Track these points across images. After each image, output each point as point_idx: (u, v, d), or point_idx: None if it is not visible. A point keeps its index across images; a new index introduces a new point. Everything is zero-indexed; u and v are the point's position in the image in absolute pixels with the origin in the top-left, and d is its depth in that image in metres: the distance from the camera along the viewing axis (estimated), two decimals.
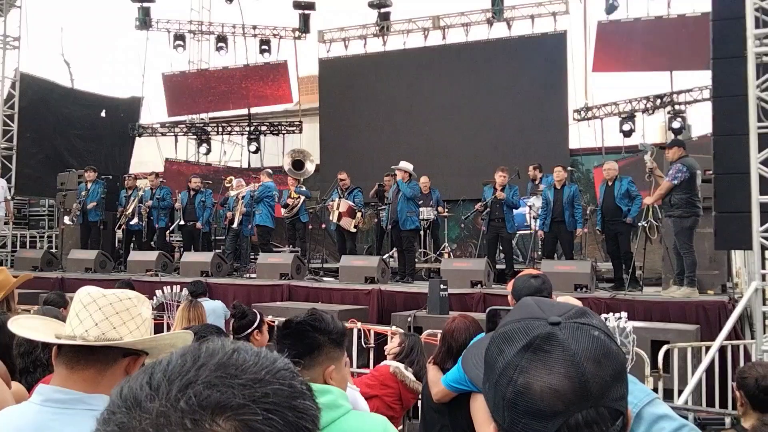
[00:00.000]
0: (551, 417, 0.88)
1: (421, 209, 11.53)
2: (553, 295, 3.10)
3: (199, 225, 12.46)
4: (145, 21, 18.50)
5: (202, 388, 0.66)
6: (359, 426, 1.82)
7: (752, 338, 6.63)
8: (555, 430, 0.88)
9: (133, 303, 1.73)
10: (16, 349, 3.00)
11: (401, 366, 4.05)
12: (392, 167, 10.84)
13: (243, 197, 12.04)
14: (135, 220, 12.78)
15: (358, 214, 11.29)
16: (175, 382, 0.67)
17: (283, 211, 12.50)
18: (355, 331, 7.35)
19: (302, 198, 12.71)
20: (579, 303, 1.49)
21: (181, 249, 13.38)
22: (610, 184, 9.51)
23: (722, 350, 6.34)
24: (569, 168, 12.23)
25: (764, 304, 6.74)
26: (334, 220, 11.43)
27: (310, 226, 12.75)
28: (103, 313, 1.66)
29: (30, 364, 2.91)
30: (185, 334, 1.93)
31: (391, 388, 3.96)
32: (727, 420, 4.44)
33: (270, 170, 13.05)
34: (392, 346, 4.36)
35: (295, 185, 12.79)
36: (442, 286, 8.00)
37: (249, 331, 4.01)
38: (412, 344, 4.29)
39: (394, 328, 7.41)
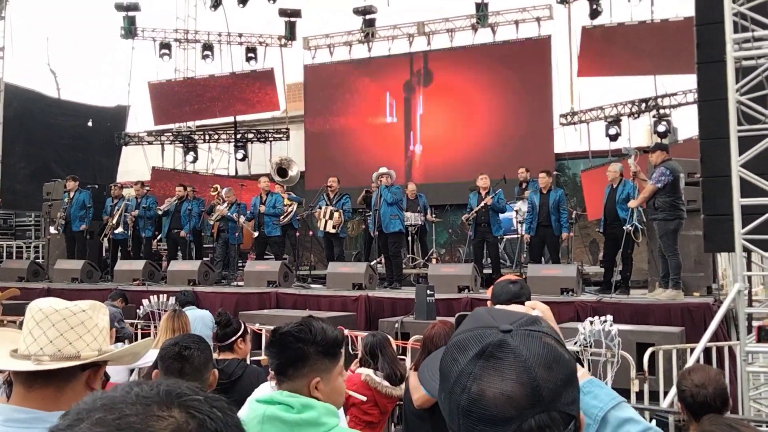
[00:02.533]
0: (505, 423, 0.89)
1: (408, 215, 11.54)
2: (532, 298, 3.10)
3: (183, 233, 12.41)
4: (130, 30, 18.45)
5: None
6: None
7: (737, 339, 6.67)
8: None
9: (88, 315, 1.68)
10: None
11: (371, 373, 4.05)
12: (374, 174, 10.88)
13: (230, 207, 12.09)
14: (120, 229, 12.73)
15: (336, 215, 11.26)
16: None
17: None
18: None
19: (295, 204, 12.68)
20: (546, 308, 1.50)
21: (167, 258, 13.32)
22: (614, 186, 9.50)
23: (707, 351, 6.37)
24: (555, 172, 12.28)
25: (749, 305, 6.79)
26: (322, 228, 11.41)
27: (298, 234, 12.74)
28: (57, 330, 1.62)
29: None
30: (145, 341, 1.91)
31: (364, 396, 3.96)
32: (671, 418, 4.44)
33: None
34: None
35: (287, 193, 12.74)
36: (429, 292, 8.01)
37: (232, 339, 3.99)
38: (371, 345, 4.26)
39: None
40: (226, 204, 12.27)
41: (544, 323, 1.00)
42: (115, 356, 1.73)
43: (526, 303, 1.48)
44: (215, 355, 3.86)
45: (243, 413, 1.70)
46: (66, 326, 1.63)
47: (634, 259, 9.43)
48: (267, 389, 3.27)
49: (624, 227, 8.78)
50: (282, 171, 12.78)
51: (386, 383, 4.00)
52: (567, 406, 0.92)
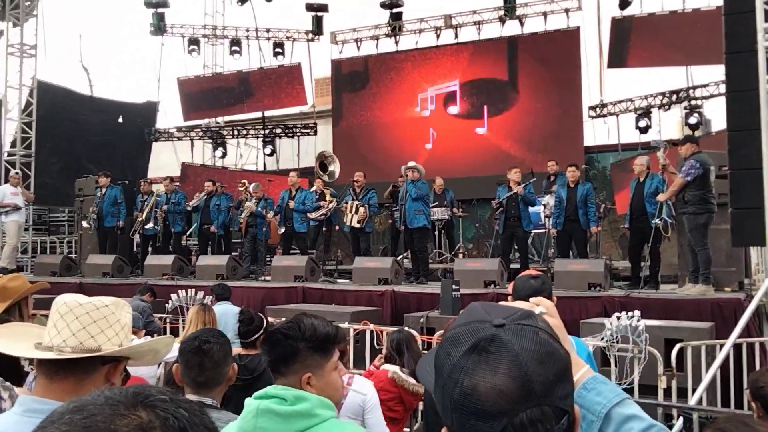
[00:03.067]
0: (497, 417, 0.89)
1: (434, 209, 11.50)
2: (553, 295, 3.06)
3: (213, 228, 12.52)
4: (159, 26, 18.67)
5: None
6: None
7: None
8: (501, 429, 0.89)
9: (111, 310, 1.73)
10: None
11: (398, 370, 4.04)
12: (403, 167, 10.83)
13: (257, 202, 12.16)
14: (150, 225, 12.89)
15: (362, 210, 11.23)
16: None
17: (313, 213, 12.24)
18: (368, 333, 7.36)
19: (335, 201, 12.58)
20: (550, 304, 1.48)
21: (197, 253, 13.46)
22: (641, 179, 9.33)
23: (737, 348, 6.26)
24: (584, 165, 12.14)
25: None
26: (348, 223, 11.42)
27: (336, 228, 12.73)
28: (81, 323, 1.67)
29: None
30: (167, 338, 1.94)
31: (391, 392, 3.95)
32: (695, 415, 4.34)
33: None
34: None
35: (329, 190, 12.62)
36: (454, 287, 7.98)
37: (255, 336, 4.02)
38: (397, 341, 4.27)
39: (406, 329, 7.39)
40: (254, 200, 12.33)
41: (539, 318, 0.99)
42: (134, 350, 1.76)
43: (531, 300, 1.47)
44: (240, 351, 3.89)
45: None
46: (89, 320, 1.68)
47: (662, 254, 9.29)
48: None
49: (652, 222, 8.64)
50: (323, 166, 12.69)
51: (413, 380, 4.00)
52: (560, 401, 0.92)
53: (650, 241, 8.87)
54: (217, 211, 12.54)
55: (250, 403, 1.73)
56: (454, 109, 16.93)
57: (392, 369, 4.05)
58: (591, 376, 1.38)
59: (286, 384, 1.85)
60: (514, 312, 0.99)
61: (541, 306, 1.38)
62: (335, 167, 12.61)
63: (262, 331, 4.05)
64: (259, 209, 12.16)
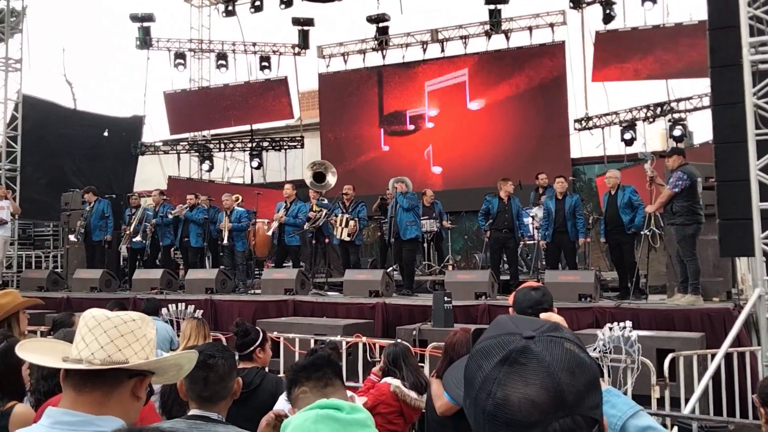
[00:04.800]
0: (530, 427, 0.91)
1: (423, 221, 11.53)
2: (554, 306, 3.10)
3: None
4: (145, 40, 18.64)
5: None
6: None
7: (759, 344, 6.62)
8: None
9: (138, 325, 1.75)
10: (38, 372, 3.03)
11: (401, 384, 4.05)
12: (391, 181, 10.88)
13: (230, 213, 12.10)
14: (138, 238, 12.81)
15: (351, 223, 11.25)
16: None
17: (306, 225, 12.14)
18: (360, 346, 7.37)
19: (324, 211, 12.52)
20: (560, 319, 1.51)
21: (185, 267, 13.36)
22: (612, 193, 9.52)
23: (728, 357, 6.33)
24: (571, 177, 12.25)
25: None
26: (339, 236, 11.41)
27: (314, 241, 12.69)
28: (108, 336, 1.69)
29: (55, 387, 2.94)
30: (190, 353, 1.95)
31: (392, 406, 3.96)
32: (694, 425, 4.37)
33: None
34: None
35: (316, 198, 12.56)
36: (446, 299, 7.99)
37: (251, 349, 4.01)
38: (393, 354, 4.28)
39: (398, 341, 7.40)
40: (186, 207, 12.26)
41: (567, 330, 1.02)
42: (160, 364, 1.77)
43: (541, 315, 1.50)
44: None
45: (290, 427, 1.74)
46: (117, 333, 1.70)
47: (650, 264, 9.40)
48: (283, 404, 3.30)
49: (642, 232, 8.79)
50: (319, 176, 12.59)
51: (414, 395, 4.01)
52: (590, 410, 0.94)
53: (632, 253, 9.03)
54: (195, 225, 12.45)
55: (304, 414, 1.75)
56: (440, 122, 17.01)
57: (394, 383, 4.06)
58: (605, 389, 1.40)
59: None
60: (542, 324, 1.01)
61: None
62: (332, 177, 12.52)
63: (258, 343, 4.04)
64: (235, 221, 12.06)
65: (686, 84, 15.12)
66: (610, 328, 6.13)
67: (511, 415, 0.92)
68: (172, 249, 13.45)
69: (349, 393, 2.24)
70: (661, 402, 5.94)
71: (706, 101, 14.10)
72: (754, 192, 6.08)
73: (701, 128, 15.09)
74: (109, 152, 18.95)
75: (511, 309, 3.29)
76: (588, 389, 0.94)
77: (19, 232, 16.26)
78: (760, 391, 3.01)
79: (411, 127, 17.33)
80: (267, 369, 4.15)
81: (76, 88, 19.63)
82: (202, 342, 4.29)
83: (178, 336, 8.14)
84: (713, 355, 6.14)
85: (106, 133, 19.15)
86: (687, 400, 5.89)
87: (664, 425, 5.08)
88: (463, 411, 3.10)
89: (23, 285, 12.87)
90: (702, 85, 14.03)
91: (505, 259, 11.06)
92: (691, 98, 14.96)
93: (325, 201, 12.79)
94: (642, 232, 8.76)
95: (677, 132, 14.55)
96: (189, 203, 12.69)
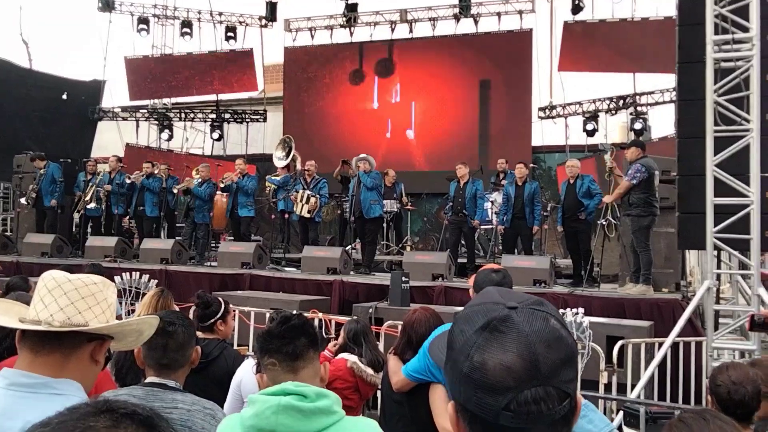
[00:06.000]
0: (502, 392, 0.93)
1: (384, 201, 11.55)
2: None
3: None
4: (108, 3, 18.17)
5: None
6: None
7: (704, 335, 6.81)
8: (505, 404, 0.93)
9: (99, 288, 1.71)
10: None
11: (357, 360, 4.07)
12: (354, 158, 10.86)
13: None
14: (93, 205, 12.56)
15: (312, 199, 11.23)
16: None
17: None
18: (316, 321, 7.37)
19: (272, 187, 12.55)
20: None
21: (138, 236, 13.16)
22: (571, 182, 9.67)
23: (675, 346, 6.50)
24: (531, 165, 12.39)
25: (716, 302, 6.94)
26: (299, 212, 11.36)
27: (273, 216, 12.65)
28: (69, 298, 1.65)
29: (4, 350, 2.87)
30: (151, 318, 1.92)
31: (348, 382, 3.97)
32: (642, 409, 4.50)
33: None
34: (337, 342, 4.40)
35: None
36: (404, 279, 8.04)
37: (212, 321, 3.98)
38: (354, 331, 4.29)
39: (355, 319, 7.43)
40: (199, 179, 12.11)
41: (550, 305, 1.04)
42: (121, 328, 1.74)
43: None
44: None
45: (252, 410, 1.70)
46: (77, 296, 1.66)
47: (604, 254, 9.59)
48: (249, 367, 3.28)
49: (599, 222, 8.93)
50: (289, 150, 12.60)
51: (371, 371, 4.02)
52: (564, 384, 0.96)
53: (587, 241, 9.20)
54: (151, 194, 12.26)
55: (266, 399, 1.70)
56: (404, 103, 17.00)
57: (351, 359, 4.07)
58: (582, 403, 1.44)
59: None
60: (528, 298, 1.04)
61: None
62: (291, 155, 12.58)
63: (220, 315, 4.01)
64: (200, 189, 11.93)
65: (648, 78, 15.37)
66: (563, 314, 6.24)
67: (485, 378, 0.94)
68: (127, 218, 13.23)
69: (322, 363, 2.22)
70: (608, 387, 6.09)
71: (668, 96, 14.37)
72: (709, 187, 6.21)
73: (660, 123, 15.38)
74: (67, 116, 18.45)
75: (470, 290, 3.33)
76: (563, 363, 0.96)
77: None
78: (710, 380, 3.11)
79: (375, 106, 17.27)
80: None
81: (34, 48, 18.99)
82: (152, 312, 4.23)
83: (132, 306, 8.08)
84: (661, 344, 6.30)
85: (65, 96, 18.63)
86: (633, 386, 6.05)
87: (611, 410, 5.21)
88: (419, 388, 3.13)
89: None
90: (664, 81, 14.28)
91: (462, 242, 11.16)
92: (652, 92, 15.21)
93: (278, 178, 12.71)
94: (599, 222, 8.92)
95: (638, 125, 14.80)
96: (145, 171, 12.46)
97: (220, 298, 4.09)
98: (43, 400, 1.55)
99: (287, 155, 12.97)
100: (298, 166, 12.86)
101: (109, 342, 1.73)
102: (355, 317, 4.98)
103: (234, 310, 7.66)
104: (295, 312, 2.36)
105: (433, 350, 1.19)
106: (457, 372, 0.98)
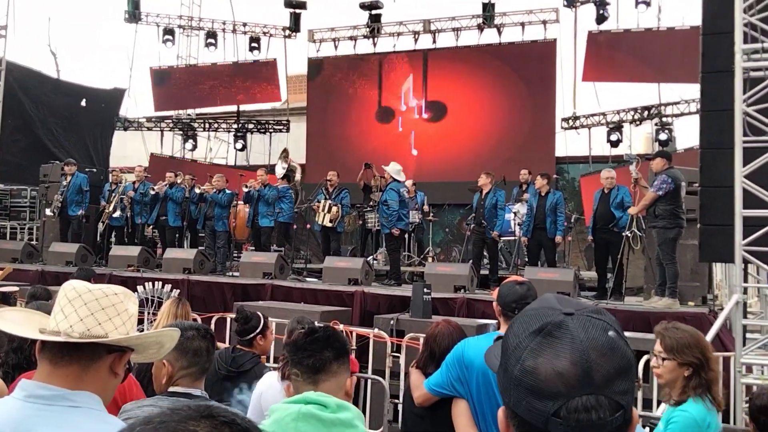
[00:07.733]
0: (552, 397, 0.92)
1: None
2: None
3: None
4: (134, 14, 18.40)
5: None
6: None
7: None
8: (555, 410, 0.92)
9: (120, 299, 1.69)
10: (8, 345, 2.96)
11: None
12: (383, 167, 10.83)
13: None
14: (117, 213, 12.66)
15: (334, 209, 11.23)
16: None
17: None
18: None
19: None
20: None
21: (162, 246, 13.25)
22: (606, 191, 9.52)
23: None
24: (554, 176, 12.27)
25: (744, 317, 6.79)
26: (321, 222, 11.36)
27: (295, 226, 12.66)
28: (89, 309, 1.63)
29: (23, 361, 2.87)
30: (172, 331, 1.90)
31: None
32: None
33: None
34: None
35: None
36: (425, 290, 7.97)
37: (252, 335, 3.98)
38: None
39: (376, 330, 7.39)
40: (214, 190, 12.16)
41: (609, 315, 1.02)
42: (141, 340, 1.72)
43: None
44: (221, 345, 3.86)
45: (272, 418, 1.68)
46: (97, 306, 1.64)
47: (628, 266, 9.43)
48: (270, 380, 3.25)
49: (624, 233, 8.78)
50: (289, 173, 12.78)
51: None
52: (617, 395, 0.93)
53: (619, 253, 9.01)
54: (173, 204, 12.34)
55: (287, 407, 1.68)
56: (428, 113, 16.98)
57: None
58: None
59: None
60: (586, 306, 1.02)
61: None
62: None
63: (259, 330, 3.99)
64: (218, 195, 11.96)
65: (673, 89, 15.22)
66: None
67: (536, 382, 0.93)
68: (150, 228, 13.31)
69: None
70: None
71: (693, 107, 14.19)
72: (738, 198, 6.10)
73: (686, 134, 15.22)
74: (86, 123, 18.59)
75: (494, 303, 3.27)
76: (618, 374, 0.94)
77: None
78: (749, 407, 3.04)
79: (398, 117, 17.27)
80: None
81: (61, 58, 19.27)
82: (172, 321, 4.24)
83: (155, 316, 8.11)
84: None
85: (83, 103, 18.80)
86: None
87: None
88: (441, 403, 3.07)
89: None
90: (690, 91, 14.12)
91: (486, 253, 11.06)
92: (678, 103, 15.04)
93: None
94: (624, 234, 8.78)
95: (663, 136, 14.64)
96: (168, 181, 12.56)
97: (260, 313, 4.09)
98: (60, 413, 1.53)
99: (285, 165, 13.11)
100: (297, 177, 12.91)
101: (129, 354, 1.71)
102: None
103: (272, 324, 7.69)
104: (322, 324, 2.33)
105: (489, 357, 1.16)
106: (509, 376, 0.98)
